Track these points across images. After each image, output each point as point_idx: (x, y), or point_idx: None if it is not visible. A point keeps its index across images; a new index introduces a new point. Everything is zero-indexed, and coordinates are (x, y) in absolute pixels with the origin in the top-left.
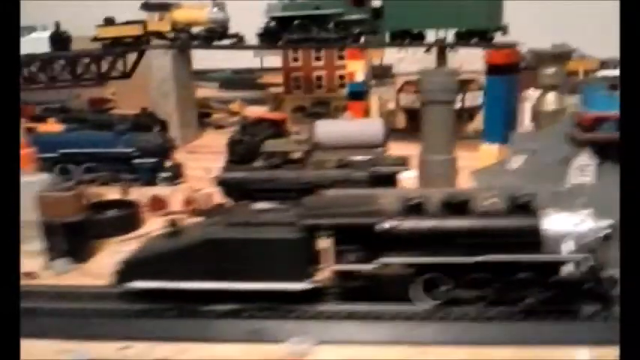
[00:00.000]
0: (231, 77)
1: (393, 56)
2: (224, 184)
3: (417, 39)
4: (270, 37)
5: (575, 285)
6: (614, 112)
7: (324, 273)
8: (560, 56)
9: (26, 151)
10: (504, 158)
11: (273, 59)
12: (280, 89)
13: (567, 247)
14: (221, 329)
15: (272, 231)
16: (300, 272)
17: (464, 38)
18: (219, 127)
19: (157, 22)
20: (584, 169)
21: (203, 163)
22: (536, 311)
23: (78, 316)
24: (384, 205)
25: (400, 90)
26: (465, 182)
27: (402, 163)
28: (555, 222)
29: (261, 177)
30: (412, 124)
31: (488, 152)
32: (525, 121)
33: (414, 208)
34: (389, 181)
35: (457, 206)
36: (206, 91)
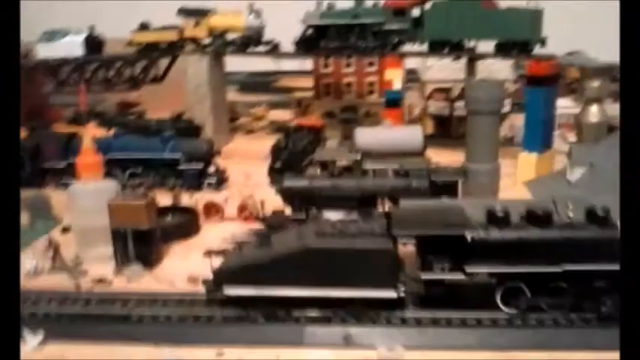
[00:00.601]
0: (248, 80)
1: (415, 63)
2: (286, 192)
3: (457, 48)
4: (307, 45)
5: None
6: None
7: (410, 281)
8: (604, 70)
9: (96, 158)
10: (554, 167)
11: (291, 63)
12: (304, 93)
13: None
14: (312, 334)
15: (368, 241)
16: (391, 280)
17: (504, 49)
18: (249, 131)
19: (193, 28)
20: None
21: (239, 168)
22: (611, 317)
23: (171, 322)
24: (470, 216)
25: (429, 97)
26: (508, 190)
27: (462, 172)
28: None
29: (324, 186)
30: (441, 131)
31: (527, 161)
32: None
33: (499, 219)
34: (448, 189)
35: (538, 217)
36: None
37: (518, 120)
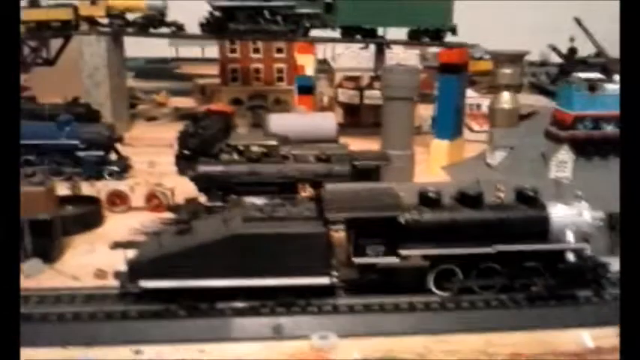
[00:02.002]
0: (145, 66)
1: (325, 52)
2: (200, 178)
3: (368, 35)
4: (214, 28)
5: (577, 272)
6: (594, 111)
7: (342, 267)
8: (516, 57)
9: None
10: (464, 152)
11: (192, 49)
12: (208, 80)
13: (571, 237)
14: (240, 327)
15: (300, 225)
16: (324, 266)
17: (416, 37)
18: (151, 118)
19: (90, 7)
20: (562, 164)
21: (143, 156)
22: (542, 297)
23: (80, 320)
24: (403, 199)
25: (339, 85)
26: (423, 175)
27: (384, 157)
28: (559, 213)
29: (242, 171)
30: (350, 119)
31: (439, 147)
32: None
33: (431, 201)
34: (369, 174)
35: (471, 199)
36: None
37: (426, 109)
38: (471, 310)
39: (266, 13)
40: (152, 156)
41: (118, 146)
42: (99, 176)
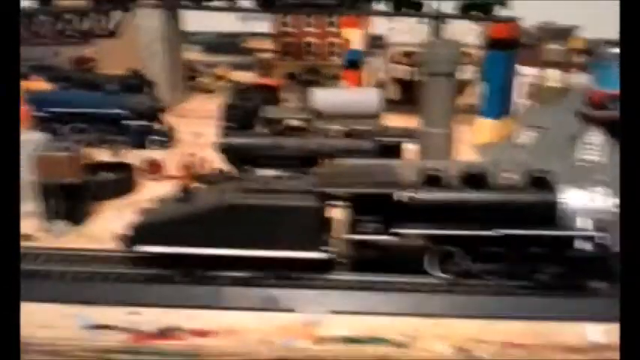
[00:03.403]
0: (215, 41)
1: (380, 25)
2: (226, 150)
3: (417, 9)
4: (265, 1)
5: (588, 261)
6: None
7: (338, 242)
8: (563, 32)
9: (22, 109)
10: (511, 133)
11: (260, 24)
12: (267, 55)
13: (583, 224)
14: (233, 296)
15: (292, 198)
16: (318, 241)
17: (465, 11)
18: (207, 91)
19: None
20: (593, 146)
21: (193, 127)
22: (548, 286)
23: (84, 279)
24: (401, 176)
25: (393, 60)
26: (463, 155)
27: (408, 134)
28: (572, 198)
29: (265, 144)
30: (404, 95)
31: (484, 126)
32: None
33: (432, 180)
34: (394, 151)
35: (475, 179)
36: (190, 54)
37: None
38: (468, 294)
39: None
40: (201, 127)
41: (163, 116)
42: (142, 145)
